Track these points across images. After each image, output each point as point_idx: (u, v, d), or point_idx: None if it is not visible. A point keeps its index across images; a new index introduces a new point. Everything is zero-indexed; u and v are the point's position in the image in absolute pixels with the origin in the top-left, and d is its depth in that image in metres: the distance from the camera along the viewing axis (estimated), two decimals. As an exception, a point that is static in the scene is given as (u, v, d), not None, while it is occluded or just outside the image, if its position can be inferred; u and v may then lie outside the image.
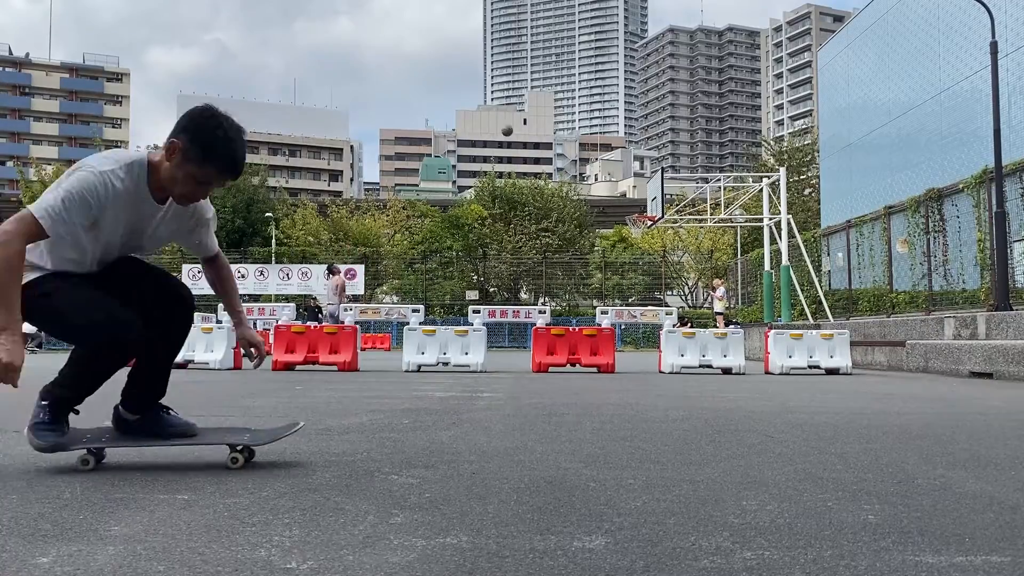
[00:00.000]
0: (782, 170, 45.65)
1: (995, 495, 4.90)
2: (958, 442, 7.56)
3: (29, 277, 5.36)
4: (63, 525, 3.91)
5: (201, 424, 6.22)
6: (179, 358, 22.95)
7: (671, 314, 25.85)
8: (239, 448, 5.82)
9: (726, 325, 38.96)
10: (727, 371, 22.84)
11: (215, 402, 11.51)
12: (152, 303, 5.83)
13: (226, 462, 5.75)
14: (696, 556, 3.48)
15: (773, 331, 24.62)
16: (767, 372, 23.49)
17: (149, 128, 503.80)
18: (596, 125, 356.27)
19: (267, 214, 79.87)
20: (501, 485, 5.06)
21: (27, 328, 27.16)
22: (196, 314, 28.50)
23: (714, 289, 50.34)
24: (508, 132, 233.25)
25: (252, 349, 6.11)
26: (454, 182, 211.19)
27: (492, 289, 79.20)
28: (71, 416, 5.96)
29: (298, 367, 22.83)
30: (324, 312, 32.82)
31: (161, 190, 5.50)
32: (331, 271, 33.04)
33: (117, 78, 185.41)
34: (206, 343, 23.79)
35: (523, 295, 79.92)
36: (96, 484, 4.98)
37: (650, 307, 46.86)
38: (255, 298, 63.37)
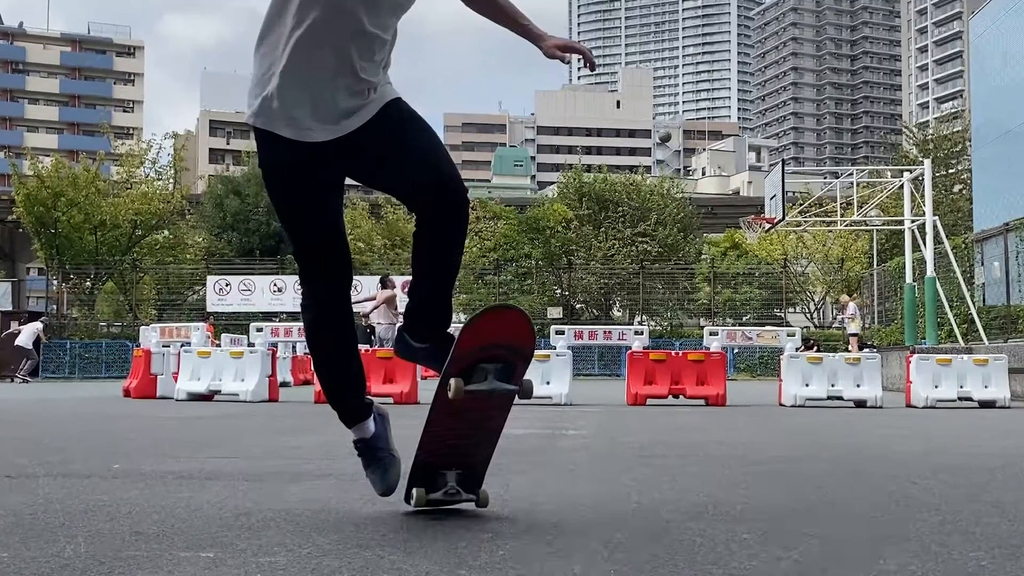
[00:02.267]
0: (927, 163, 45.34)
1: None
2: None
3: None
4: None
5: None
6: (204, 389, 23.32)
7: (794, 335, 25.79)
8: None
9: (860, 349, 38.76)
10: (861, 404, 22.72)
11: (247, 441, 11.58)
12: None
13: None
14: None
15: (916, 356, 24.46)
16: (909, 405, 23.35)
17: (167, 112, 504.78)
18: (703, 109, 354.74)
19: (309, 215, 79.37)
20: (588, 541, 5.06)
21: (22, 340, 27.49)
22: (225, 335, 28.56)
23: (843, 307, 50.05)
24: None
25: (570, 54, 5.94)
26: (533, 177, 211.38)
27: (579, 305, 78.97)
28: None
29: (347, 398, 22.88)
30: (376, 334, 32.48)
31: None
32: (384, 284, 32.61)
33: (128, 52, 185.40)
34: (236, 371, 23.83)
35: (616, 313, 79.63)
36: (104, 539, 4.99)
37: (768, 327, 46.66)
38: (293, 316, 62.91)
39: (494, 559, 4.53)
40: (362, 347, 27.19)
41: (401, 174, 5.64)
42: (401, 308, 31.83)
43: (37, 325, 51.22)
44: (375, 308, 31.96)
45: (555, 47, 5.84)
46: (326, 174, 5.61)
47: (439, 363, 5.69)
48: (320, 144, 5.41)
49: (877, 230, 63.56)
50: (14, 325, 52.36)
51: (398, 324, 25.87)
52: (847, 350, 39.31)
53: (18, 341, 48.53)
